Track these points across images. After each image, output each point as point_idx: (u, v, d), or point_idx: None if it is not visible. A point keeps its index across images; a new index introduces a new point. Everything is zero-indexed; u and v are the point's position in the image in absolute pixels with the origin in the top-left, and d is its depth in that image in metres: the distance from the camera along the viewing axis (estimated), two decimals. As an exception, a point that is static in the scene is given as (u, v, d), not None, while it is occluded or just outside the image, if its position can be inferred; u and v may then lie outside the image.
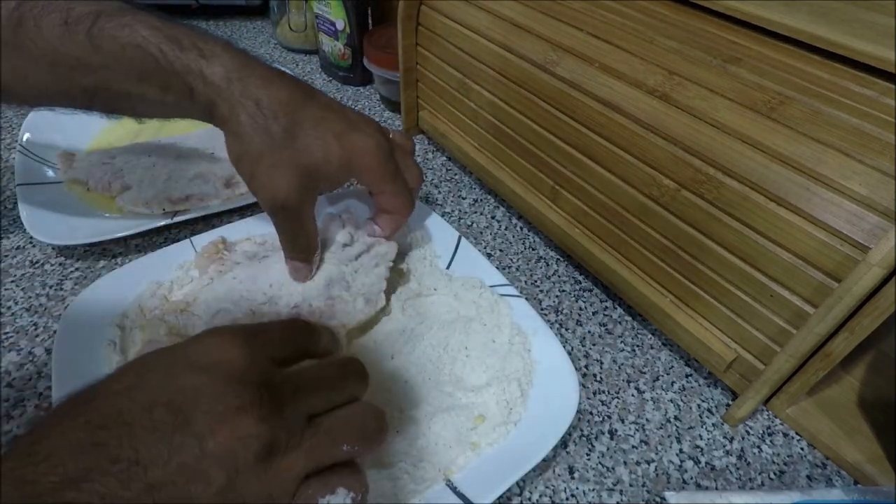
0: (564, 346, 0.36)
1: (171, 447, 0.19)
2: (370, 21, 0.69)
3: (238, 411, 0.20)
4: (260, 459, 0.20)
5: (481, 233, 0.50)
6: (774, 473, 0.34)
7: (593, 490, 0.33)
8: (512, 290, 0.40)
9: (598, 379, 0.39)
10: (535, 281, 0.46)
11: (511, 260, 0.47)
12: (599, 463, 0.34)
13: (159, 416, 0.19)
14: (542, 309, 0.43)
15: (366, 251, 0.40)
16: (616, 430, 0.36)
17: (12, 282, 0.43)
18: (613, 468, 0.34)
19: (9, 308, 0.41)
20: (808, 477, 0.34)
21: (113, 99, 0.33)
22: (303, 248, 0.36)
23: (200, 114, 0.33)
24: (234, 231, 0.44)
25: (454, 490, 0.30)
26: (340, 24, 0.65)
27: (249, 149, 0.32)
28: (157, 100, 0.32)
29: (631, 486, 0.33)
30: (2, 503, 0.16)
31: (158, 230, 0.47)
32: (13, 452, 0.18)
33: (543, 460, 0.31)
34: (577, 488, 0.33)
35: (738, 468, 0.34)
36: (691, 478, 0.34)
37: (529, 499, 0.32)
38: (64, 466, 0.18)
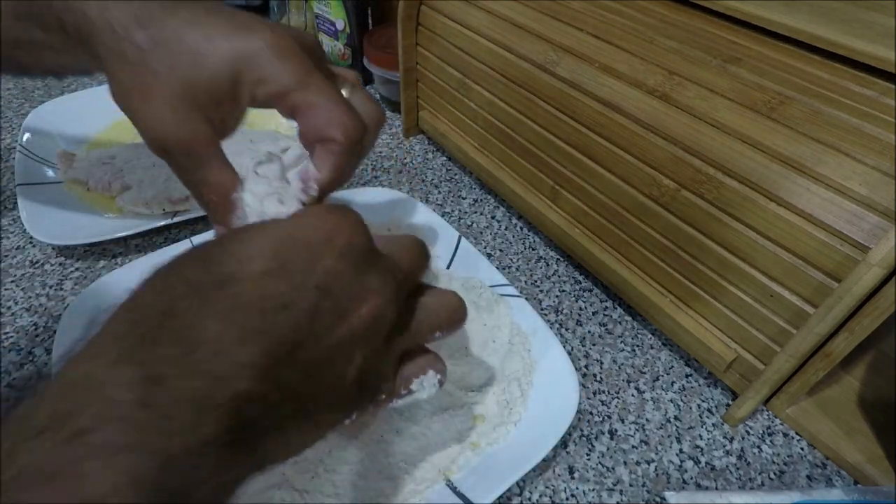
0: (564, 346, 0.36)
1: (325, 328, 0.19)
2: (370, 21, 0.69)
3: (374, 294, 0.20)
4: (386, 339, 0.22)
5: (481, 233, 0.50)
6: (774, 473, 0.34)
7: (593, 490, 0.33)
8: (512, 290, 0.40)
9: (598, 379, 0.39)
10: (535, 281, 0.46)
11: (511, 260, 0.47)
12: (599, 463, 0.34)
13: (313, 299, 0.19)
14: (542, 309, 0.43)
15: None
16: (616, 430, 0.36)
17: (12, 282, 0.43)
18: (613, 468, 0.34)
19: (9, 308, 0.41)
20: (808, 477, 0.34)
21: (8, 48, 0.27)
22: (206, 203, 0.26)
23: (86, 55, 0.26)
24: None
25: (454, 490, 0.30)
26: (340, 24, 0.65)
27: (121, 83, 0.24)
28: (44, 43, 0.26)
29: (631, 486, 0.33)
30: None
31: (158, 230, 0.47)
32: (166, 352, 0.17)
33: (543, 460, 0.31)
34: (577, 488, 0.33)
35: (738, 468, 0.34)
36: (691, 478, 0.34)
37: (529, 499, 0.32)
38: (227, 354, 0.17)
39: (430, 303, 0.25)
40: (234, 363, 0.17)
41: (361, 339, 0.20)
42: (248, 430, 0.18)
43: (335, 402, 0.21)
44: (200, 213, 0.47)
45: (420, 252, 0.25)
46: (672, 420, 0.36)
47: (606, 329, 0.42)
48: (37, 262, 0.44)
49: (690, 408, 0.37)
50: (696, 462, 0.34)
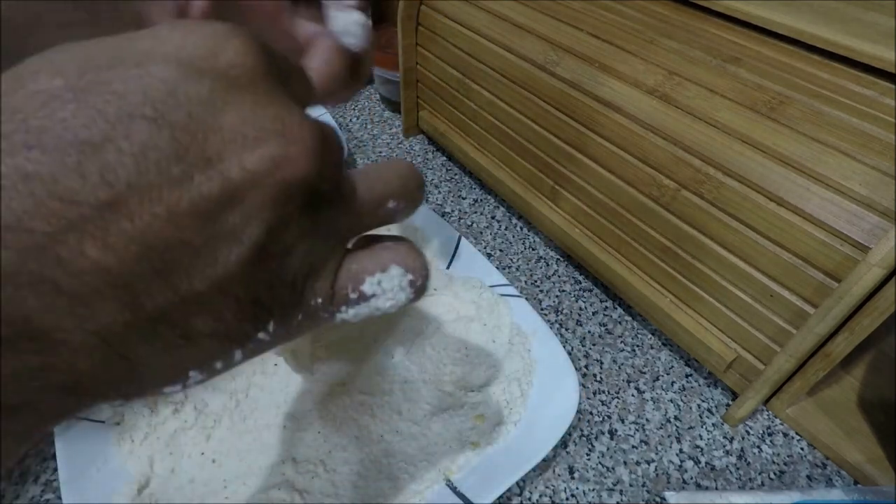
0: (564, 346, 0.36)
1: (171, 180, 0.12)
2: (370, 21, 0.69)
3: (274, 135, 0.13)
4: (310, 215, 0.14)
5: (481, 233, 0.50)
6: (774, 473, 0.34)
7: (593, 490, 0.33)
8: (512, 290, 0.40)
9: (598, 379, 0.39)
10: (535, 281, 0.46)
11: (511, 260, 0.47)
12: (599, 463, 0.34)
13: (142, 131, 0.12)
14: (542, 309, 0.43)
15: None
16: (616, 430, 0.36)
17: (12, 282, 0.42)
18: (613, 468, 0.34)
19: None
20: (808, 477, 0.34)
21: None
22: None
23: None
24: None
25: (454, 490, 0.30)
26: (340, 24, 0.65)
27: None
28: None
29: (631, 486, 0.33)
30: None
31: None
32: None
33: (543, 460, 0.31)
34: (577, 488, 0.33)
35: (738, 468, 0.34)
36: (691, 478, 0.34)
37: (529, 499, 0.32)
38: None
39: (372, 168, 0.17)
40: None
41: (255, 205, 0.13)
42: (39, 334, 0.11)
43: (213, 306, 0.13)
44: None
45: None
46: (672, 420, 0.36)
47: (606, 329, 0.42)
48: (37, 262, 0.44)
49: (690, 408, 0.37)
50: (696, 462, 0.34)
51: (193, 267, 0.12)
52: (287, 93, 0.14)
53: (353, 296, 0.16)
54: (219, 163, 0.12)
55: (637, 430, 0.36)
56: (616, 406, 0.37)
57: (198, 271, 0.12)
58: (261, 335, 0.15)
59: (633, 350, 0.41)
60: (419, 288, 0.17)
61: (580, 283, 0.46)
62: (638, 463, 0.34)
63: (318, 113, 0.59)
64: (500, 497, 0.30)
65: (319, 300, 0.16)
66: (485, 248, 0.48)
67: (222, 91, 0.13)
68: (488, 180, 0.51)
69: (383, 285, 0.16)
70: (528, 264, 0.47)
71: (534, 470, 0.32)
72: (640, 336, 0.42)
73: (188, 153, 0.12)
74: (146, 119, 0.12)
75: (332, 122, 0.57)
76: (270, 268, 0.14)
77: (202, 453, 0.32)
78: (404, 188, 0.17)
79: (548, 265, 0.47)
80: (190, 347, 0.14)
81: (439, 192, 0.54)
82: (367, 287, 0.16)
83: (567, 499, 0.32)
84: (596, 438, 0.35)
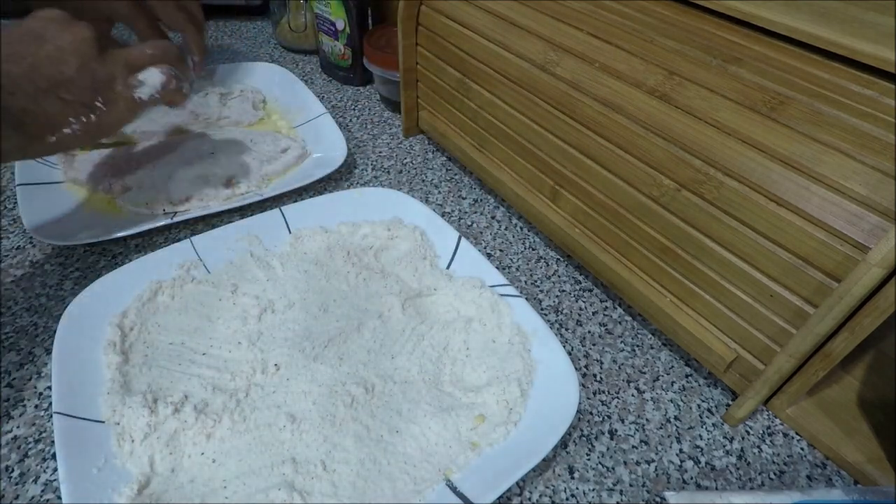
0: (564, 346, 0.36)
1: (39, 48, 0.33)
2: (370, 21, 0.69)
3: (78, 24, 0.34)
4: (98, 57, 0.35)
5: (481, 233, 0.50)
6: (774, 473, 0.34)
7: (593, 490, 0.33)
8: (512, 290, 0.40)
9: (598, 379, 0.39)
10: (535, 281, 0.46)
11: (511, 260, 0.47)
12: (599, 463, 0.34)
13: (24, 39, 0.33)
14: (542, 309, 0.43)
15: None
16: (616, 430, 0.36)
17: (12, 282, 0.43)
18: (613, 468, 0.34)
19: (9, 308, 0.41)
20: (808, 477, 0.34)
21: None
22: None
23: None
24: (234, 231, 0.44)
25: (454, 490, 0.30)
26: (340, 24, 0.65)
27: None
28: None
29: (631, 486, 0.33)
30: None
31: (158, 230, 0.47)
32: None
33: (543, 460, 0.31)
34: (577, 488, 0.33)
35: (738, 468, 0.34)
36: (691, 478, 0.34)
37: (529, 499, 0.32)
38: None
39: (142, 43, 0.39)
40: None
41: (72, 51, 0.34)
42: None
43: (60, 95, 0.33)
44: (200, 213, 0.47)
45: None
46: (672, 420, 0.36)
47: (606, 329, 0.42)
48: (37, 262, 0.44)
49: (690, 408, 0.37)
50: (696, 462, 0.34)
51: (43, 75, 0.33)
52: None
53: (134, 83, 0.38)
54: (49, 42, 0.34)
55: (637, 430, 0.36)
56: (616, 406, 0.37)
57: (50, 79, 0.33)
58: (87, 114, 0.35)
59: (633, 350, 0.41)
60: (172, 76, 0.39)
61: (580, 283, 0.46)
62: (638, 463, 0.34)
63: (319, 113, 0.59)
64: (500, 497, 0.30)
65: (118, 88, 0.37)
66: (485, 248, 0.48)
67: (55, 22, 0.35)
68: (488, 180, 0.51)
69: (147, 80, 0.38)
70: (528, 264, 0.47)
71: (534, 470, 0.32)
72: (640, 336, 0.42)
73: (44, 37, 0.34)
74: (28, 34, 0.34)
75: (333, 123, 0.58)
76: (85, 76, 0.35)
77: (202, 453, 0.32)
78: (159, 48, 0.39)
79: (548, 265, 0.47)
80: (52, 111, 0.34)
81: (439, 192, 0.54)
82: (136, 81, 0.38)
83: (567, 499, 0.32)
84: (596, 438, 0.35)
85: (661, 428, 0.36)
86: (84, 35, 0.34)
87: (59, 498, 0.29)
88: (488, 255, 0.47)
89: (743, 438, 0.36)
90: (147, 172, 0.50)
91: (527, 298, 0.40)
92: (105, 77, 0.35)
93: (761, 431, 0.36)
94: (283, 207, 0.46)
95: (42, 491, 0.31)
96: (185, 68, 0.41)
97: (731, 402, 0.37)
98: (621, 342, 0.41)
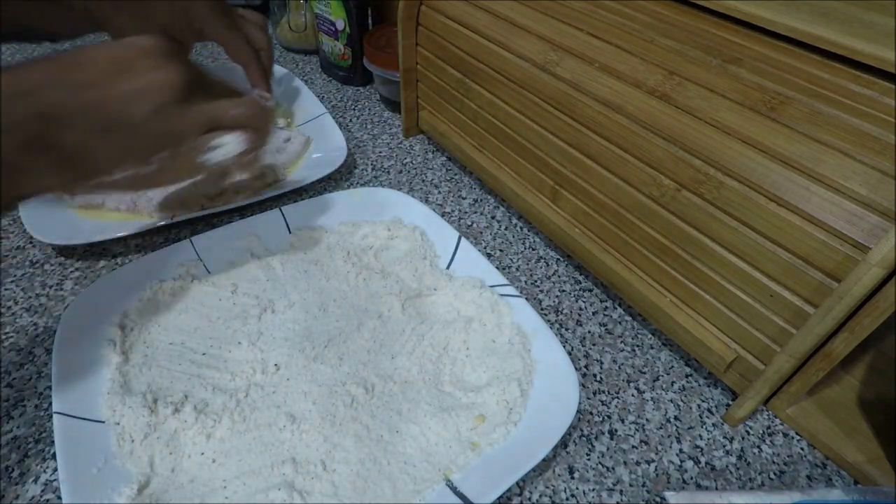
0: (564, 346, 0.36)
1: (118, 82, 0.27)
2: (370, 21, 0.69)
3: (174, 64, 0.29)
4: (181, 101, 0.29)
5: (481, 233, 0.50)
6: (774, 473, 0.34)
7: (593, 490, 0.33)
8: (512, 290, 0.40)
9: (598, 379, 0.39)
10: (535, 281, 0.46)
11: (511, 260, 0.47)
12: (599, 463, 0.34)
13: (107, 69, 0.27)
14: (542, 309, 0.43)
15: None
16: (616, 430, 0.36)
17: (12, 282, 0.43)
18: (613, 468, 0.34)
19: (9, 308, 0.41)
20: (808, 477, 0.34)
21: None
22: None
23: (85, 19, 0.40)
24: (234, 231, 0.44)
25: (454, 490, 0.30)
26: (340, 24, 0.65)
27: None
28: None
29: (631, 486, 0.33)
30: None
31: (158, 230, 0.47)
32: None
33: (543, 460, 0.31)
34: (577, 488, 0.33)
35: (738, 468, 0.34)
36: (691, 478, 0.34)
37: (529, 499, 0.32)
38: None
39: (229, 100, 0.32)
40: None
41: (148, 91, 0.28)
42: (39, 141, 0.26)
43: (123, 135, 0.28)
44: (199, 213, 0.47)
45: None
46: (672, 420, 0.36)
47: (606, 329, 0.42)
48: (37, 262, 0.44)
49: (690, 408, 0.37)
50: (696, 462, 0.34)
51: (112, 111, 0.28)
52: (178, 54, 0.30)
53: (211, 143, 0.31)
54: (137, 77, 0.28)
55: (637, 430, 0.36)
56: (616, 406, 0.37)
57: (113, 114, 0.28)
58: (148, 160, 0.30)
59: (633, 350, 0.41)
60: (244, 145, 0.32)
61: (580, 283, 0.46)
62: (638, 463, 0.34)
63: (319, 113, 0.59)
64: (500, 497, 0.30)
65: (186, 141, 0.30)
66: (485, 248, 0.48)
67: (147, 56, 0.29)
68: (488, 180, 0.51)
69: (222, 141, 0.31)
70: (528, 264, 0.47)
71: (534, 470, 0.32)
72: (640, 336, 0.42)
73: (132, 70, 0.29)
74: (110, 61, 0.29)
75: (333, 123, 0.58)
76: (156, 122, 0.28)
77: (202, 453, 0.32)
78: (247, 110, 0.32)
79: (548, 265, 0.47)
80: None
81: (439, 192, 0.54)
82: (214, 143, 0.31)
83: (567, 499, 0.32)
84: (596, 438, 0.35)
85: (661, 428, 0.36)
86: (175, 80, 0.28)
87: (59, 498, 0.29)
88: (488, 255, 0.47)
89: (743, 438, 0.36)
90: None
91: (527, 298, 0.40)
92: (178, 132, 0.29)
93: (761, 431, 0.36)
94: (283, 207, 0.46)
95: (42, 491, 0.31)
96: (269, 135, 0.34)
97: (731, 402, 0.37)
98: (621, 342, 0.41)
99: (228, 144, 0.31)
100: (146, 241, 0.47)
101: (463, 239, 0.44)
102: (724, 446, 0.35)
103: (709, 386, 0.39)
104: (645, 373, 0.39)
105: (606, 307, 0.44)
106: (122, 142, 0.28)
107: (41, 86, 0.26)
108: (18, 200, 0.28)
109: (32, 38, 0.46)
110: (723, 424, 0.36)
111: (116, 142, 0.28)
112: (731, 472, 0.34)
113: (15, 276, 0.43)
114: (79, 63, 0.27)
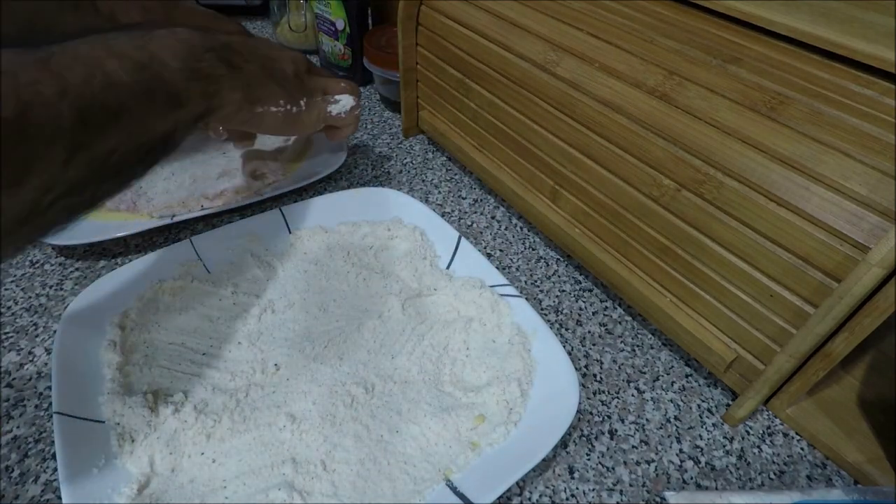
0: (564, 346, 0.36)
1: (272, 52, 0.41)
2: (370, 21, 0.69)
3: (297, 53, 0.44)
4: (307, 71, 0.45)
5: (481, 233, 0.50)
6: (774, 473, 0.34)
7: (593, 490, 0.33)
8: (512, 290, 0.40)
9: (598, 379, 0.39)
10: (535, 281, 0.46)
11: (511, 260, 0.47)
12: (599, 463, 0.34)
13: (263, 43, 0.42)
14: (542, 309, 0.43)
15: None
16: (616, 430, 0.36)
17: (12, 282, 0.43)
18: (613, 468, 0.34)
19: (9, 308, 0.41)
20: (808, 477, 0.34)
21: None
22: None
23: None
24: (234, 231, 0.44)
25: (454, 490, 0.30)
26: (340, 24, 0.65)
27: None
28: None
29: (631, 486, 0.33)
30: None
31: (158, 230, 0.47)
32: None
33: (543, 460, 0.31)
34: (577, 488, 0.33)
35: (738, 468, 0.34)
36: (691, 478, 0.34)
37: (529, 499, 0.32)
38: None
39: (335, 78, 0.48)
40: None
41: (291, 60, 0.43)
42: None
43: (278, 82, 0.41)
44: (199, 213, 0.47)
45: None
46: (672, 420, 0.36)
47: (606, 329, 0.42)
48: (37, 262, 0.44)
49: (690, 408, 0.37)
50: (696, 462, 0.34)
51: (270, 68, 0.42)
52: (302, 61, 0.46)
53: (330, 99, 0.46)
54: (278, 60, 0.43)
55: (637, 430, 0.36)
56: (616, 406, 0.37)
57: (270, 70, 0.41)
58: (283, 103, 0.42)
59: (633, 350, 0.41)
60: (353, 105, 0.47)
61: (580, 283, 0.46)
62: (638, 463, 0.34)
63: None
64: (500, 497, 0.30)
65: (308, 98, 0.45)
66: (485, 248, 0.48)
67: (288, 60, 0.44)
68: (488, 180, 0.51)
69: (339, 98, 0.46)
70: (528, 264, 0.47)
71: (534, 470, 0.32)
72: (640, 336, 0.42)
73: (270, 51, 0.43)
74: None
75: None
76: (291, 79, 0.43)
77: (202, 453, 0.32)
78: (347, 87, 0.47)
79: (548, 265, 0.47)
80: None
81: (439, 192, 0.54)
82: (332, 99, 0.46)
83: (567, 499, 0.32)
84: (596, 438, 0.35)
85: (661, 428, 0.36)
86: (302, 56, 0.44)
87: (59, 498, 0.29)
88: (488, 255, 0.47)
89: (743, 438, 0.36)
90: (165, 183, 0.50)
91: (527, 298, 0.40)
92: (311, 87, 0.45)
93: (761, 431, 0.36)
94: (283, 207, 0.46)
95: (42, 491, 0.31)
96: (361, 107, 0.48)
97: (731, 402, 0.37)
98: (621, 342, 0.41)
99: (342, 101, 0.46)
100: (146, 241, 0.47)
101: (463, 239, 0.44)
102: (724, 446, 0.35)
103: (709, 386, 0.39)
104: (645, 373, 0.39)
105: (606, 307, 0.44)
106: (277, 86, 0.41)
107: (230, 32, 0.41)
108: (210, 114, 0.35)
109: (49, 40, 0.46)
110: (723, 424, 0.36)
111: (274, 85, 0.40)
112: (731, 472, 0.34)
113: (15, 276, 0.43)
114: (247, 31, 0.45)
